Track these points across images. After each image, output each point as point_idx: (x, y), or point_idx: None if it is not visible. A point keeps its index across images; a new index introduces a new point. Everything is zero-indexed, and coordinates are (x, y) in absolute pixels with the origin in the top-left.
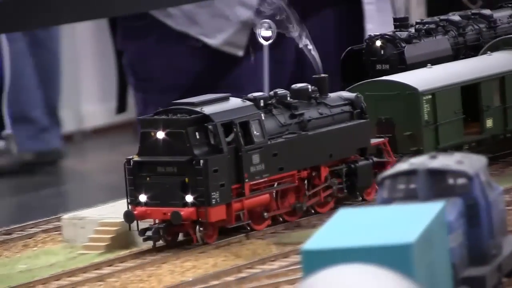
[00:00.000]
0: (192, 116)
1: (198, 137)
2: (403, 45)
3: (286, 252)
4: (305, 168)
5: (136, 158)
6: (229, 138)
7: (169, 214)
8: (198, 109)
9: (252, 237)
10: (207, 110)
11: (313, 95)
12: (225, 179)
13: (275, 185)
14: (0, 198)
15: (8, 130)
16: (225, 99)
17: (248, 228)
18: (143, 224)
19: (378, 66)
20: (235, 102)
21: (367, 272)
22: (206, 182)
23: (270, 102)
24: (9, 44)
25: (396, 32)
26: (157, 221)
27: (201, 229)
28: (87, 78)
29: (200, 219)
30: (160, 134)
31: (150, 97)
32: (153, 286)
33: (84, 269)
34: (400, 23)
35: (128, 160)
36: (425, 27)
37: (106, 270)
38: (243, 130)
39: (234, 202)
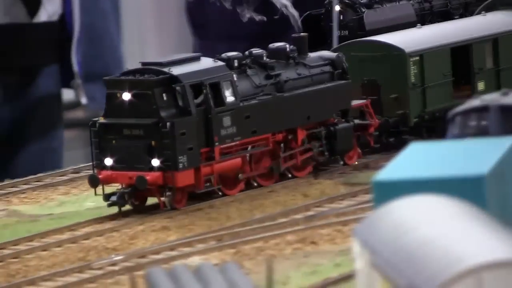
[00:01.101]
0: (160, 76)
1: (165, 98)
2: (363, 10)
3: (354, 191)
4: (281, 131)
5: (101, 120)
6: (199, 100)
7: (134, 178)
8: (166, 69)
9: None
10: (176, 70)
11: (291, 55)
12: (193, 143)
13: (248, 149)
14: (72, 147)
15: (77, 80)
16: (196, 59)
17: (220, 193)
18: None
19: (338, 33)
20: (206, 62)
21: (440, 202)
22: (173, 146)
23: (244, 62)
24: None
25: None
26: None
27: (168, 194)
28: (150, 33)
29: (167, 184)
30: (126, 96)
31: (206, 43)
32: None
33: None
34: None
35: (94, 122)
36: None
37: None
38: (213, 92)
39: (203, 166)
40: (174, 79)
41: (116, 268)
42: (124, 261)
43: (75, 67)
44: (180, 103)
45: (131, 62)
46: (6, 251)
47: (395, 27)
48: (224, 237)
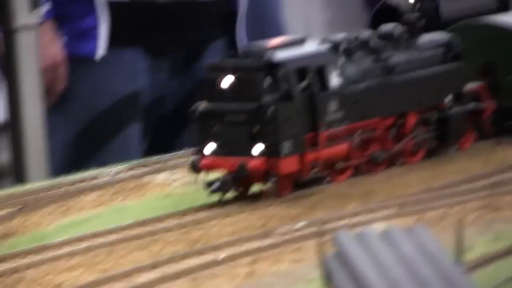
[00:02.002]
0: (262, 60)
1: (268, 83)
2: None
3: None
4: (390, 115)
5: (204, 105)
6: (303, 85)
7: (236, 165)
8: (269, 53)
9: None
10: (279, 54)
11: (402, 37)
12: (297, 128)
13: (356, 134)
14: None
15: None
16: (300, 42)
17: (327, 180)
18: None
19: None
20: (311, 45)
21: None
22: (276, 131)
23: (352, 45)
24: None
25: None
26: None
27: (272, 181)
28: (315, 9)
29: (270, 171)
30: (228, 80)
31: None
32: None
33: None
34: None
35: (196, 108)
36: None
37: None
38: (318, 76)
39: (308, 153)
40: (278, 63)
41: (299, 234)
42: (307, 227)
43: (240, 42)
44: (284, 88)
45: None
46: (187, 218)
47: (474, 16)
48: (406, 204)
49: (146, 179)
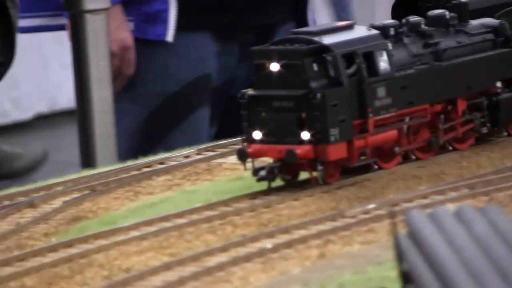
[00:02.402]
0: (310, 46)
1: (316, 69)
2: None
3: None
4: (439, 101)
5: (250, 91)
6: (351, 70)
7: (284, 152)
8: (316, 38)
9: None
10: (327, 39)
11: (451, 23)
12: (345, 114)
13: (405, 120)
14: None
15: None
16: (349, 27)
17: (376, 167)
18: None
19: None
20: (359, 30)
21: None
22: (324, 118)
23: (401, 30)
24: None
25: None
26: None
27: (320, 168)
28: None
29: (318, 157)
30: (275, 66)
31: None
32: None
33: None
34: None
35: (243, 94)
36: None
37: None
38: (367, 61)
39: (356, 139)
40: (325, 48)
41: (369, 216)
42: (377, 209)
43: (310, 25)
44: (331, 73)
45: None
46: (257, 201)
47: (501, 6)
48: (477, 185)
49: (215, 162)
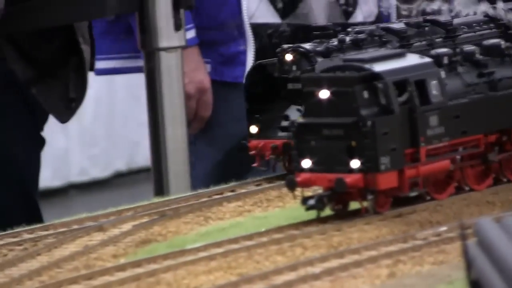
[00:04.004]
0: (361, 73)
1: (366, 96)
2: (318, 60)
3: None
4: (494, 131)
5: (300, 119)
6: (403, 98)
7: (333, 181)
8: (367, 65)
9: None
10: (378, 67)
11: (506, 52)
12: (396, 143)
13: (458, 151)
14: None
15: None
16: (401, 55)
17: (428, 198)
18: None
19: (290, 85)
20: (411, 58)
21: None
22: (374, 146)
23: (455, 59)
24: None
25: (315, 44)
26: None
27: (370, 197)
28: None
29: (368, 186)
30: (325, 94)
31: None
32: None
33: None
34: (322, 32)
35: (292, 122)
36: (351, 37)
37: None
38: (419, 90)
39: (407, 168)
40: (376, 76)
41: (440, 238)
42: (448, 232)
43: None
44: (382, 101)
45: None
46: (327, 225)
47: None
48: None
49: (286, 190)
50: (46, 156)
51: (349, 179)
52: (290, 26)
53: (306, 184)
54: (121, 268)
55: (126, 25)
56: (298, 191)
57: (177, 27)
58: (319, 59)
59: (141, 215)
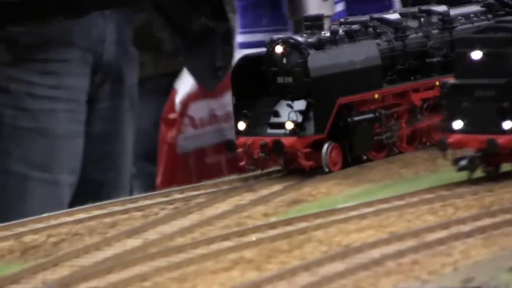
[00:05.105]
0: None
1: None
2: (311, 52)
3: None
4: None
5: (452, 80)
6: None
7: (485, 142)
8: None
9: None
10: None
11: None
12: None
13: None
14: None
15: None
16: None
17: None
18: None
19: (280, 79)
20: None
21: None
22: None
23: None
24: None
25: (306, 35)
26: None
27: None
28: None
29: None
30: (477, 54)
31: None
32: None
33: None
34: (313, 22)
35: (444, 83)
36: (344, 28)
37: None
38: None
39: None
40: None
41: None
42: None
43: None
44: None
45: None
46: (479, 186)
47: (355, 72)
48: None
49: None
50: None
51: (501, 140)
52: None
53: (457, 145)
54: (272, 226)
55: None
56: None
57: None
58: (312, 51)
59: (291, 177)
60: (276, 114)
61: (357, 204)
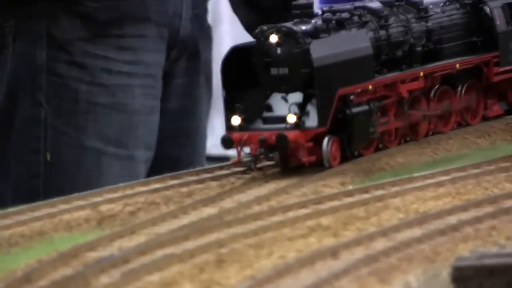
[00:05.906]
0: None
1: None
2: (308, 41)
3: None
4: None
5: None
6: None
7: None
8: None
9: None
10: None
11: None
12: None
13: None
14: None
15: None
16: None
17: None
18: None
19: (274, 71)
20: None
21: None
22: None
23: None
24: None
25: (298, 23)
26: None
27: None
28: None
29: None
30: None
31: None
32: None
33: None
34: (302, 10)
35: None
36: (335, 17)
37: None
38: None
39: None
40: None
41: None
42: None
43: None
44: None
45: None
46: None
47: (351, 62)
48: None
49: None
50: None
51: None
52: None
53: None
54: (349, 194)
55: None
56: None
57: None
58: (309, 40)
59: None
60: (270, 108)
61: (434, 172)
